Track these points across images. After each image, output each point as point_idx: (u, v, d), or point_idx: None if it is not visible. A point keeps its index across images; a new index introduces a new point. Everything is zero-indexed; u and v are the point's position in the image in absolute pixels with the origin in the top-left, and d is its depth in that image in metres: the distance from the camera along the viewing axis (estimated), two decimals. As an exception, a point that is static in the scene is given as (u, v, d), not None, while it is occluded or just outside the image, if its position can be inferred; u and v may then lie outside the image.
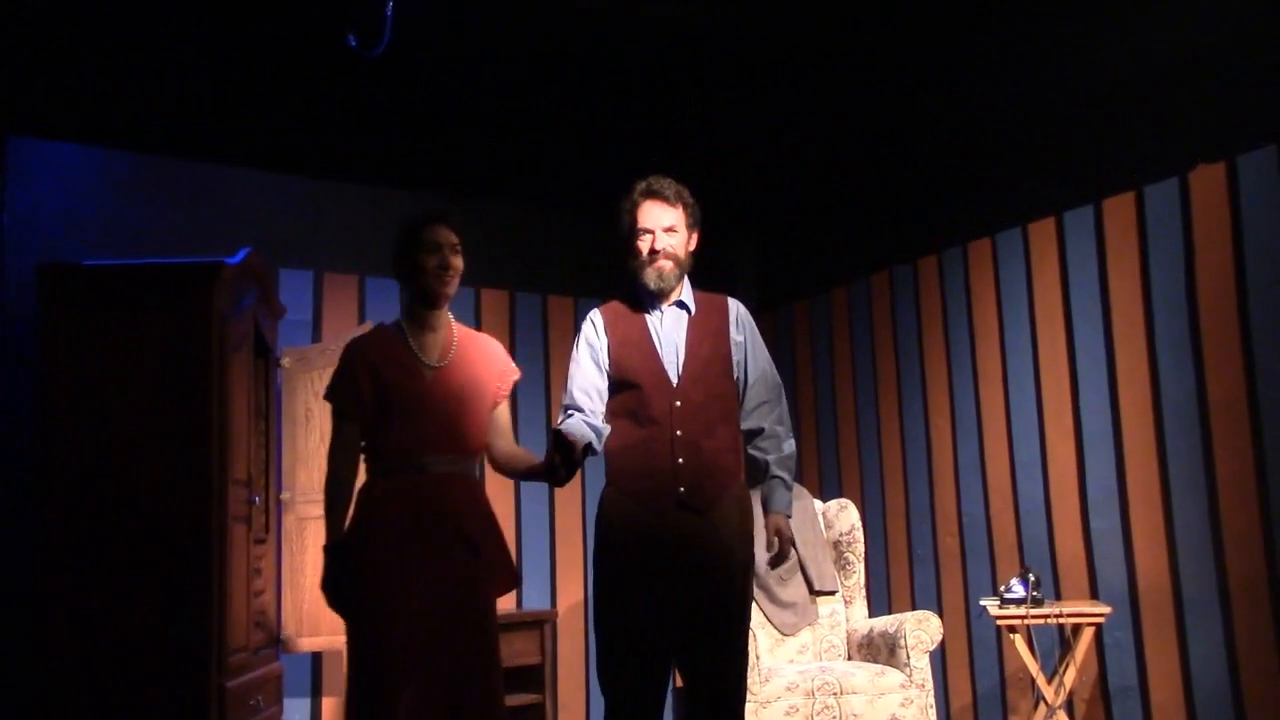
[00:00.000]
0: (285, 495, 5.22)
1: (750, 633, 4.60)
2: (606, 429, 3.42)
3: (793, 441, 3.73)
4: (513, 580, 3.44)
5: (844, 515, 5.68)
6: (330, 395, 3.33)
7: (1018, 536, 5.49)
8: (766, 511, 3.64)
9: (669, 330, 3.60)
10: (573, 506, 6.58)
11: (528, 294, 6.61)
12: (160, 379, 4.34)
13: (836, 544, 5.67)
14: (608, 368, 3.58)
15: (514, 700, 5.77)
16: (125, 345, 4.35)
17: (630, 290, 3.67)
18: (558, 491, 6.51)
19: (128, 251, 5.27)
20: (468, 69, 5.27)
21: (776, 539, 3.61)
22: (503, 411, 3.49)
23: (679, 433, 3.49)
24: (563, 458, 3.14)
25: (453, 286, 3.42)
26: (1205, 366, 4.75)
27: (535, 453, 3.55)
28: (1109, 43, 5.08)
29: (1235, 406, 4.63)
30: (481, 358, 3.47)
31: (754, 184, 6.71)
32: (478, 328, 6.35)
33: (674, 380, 3.54)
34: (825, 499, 6.04)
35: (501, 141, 6.03)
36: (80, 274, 4.42)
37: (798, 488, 5.92)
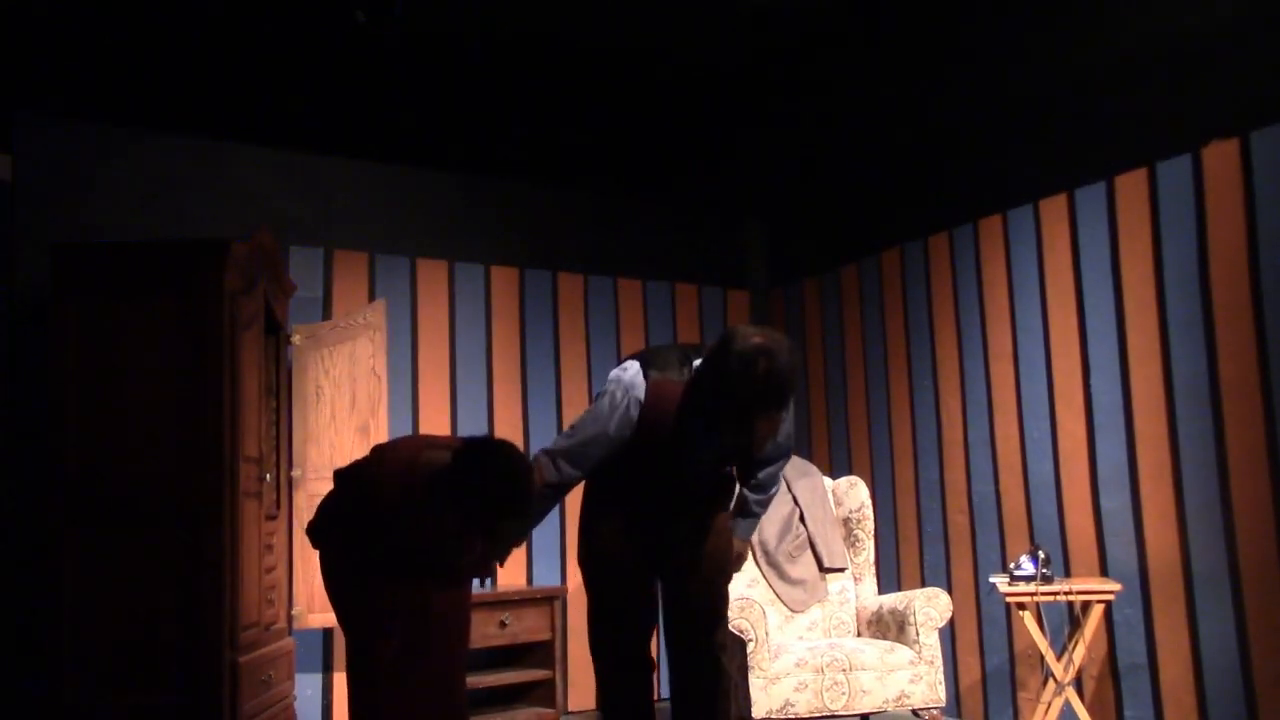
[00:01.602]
0: (296, 472, 5.24)
1: (757, 605, 4.60)
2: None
3: (780, 486, 3.81)
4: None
5: (854, 492, 5.69)
6: None
7: (1027, 514, 5.49)
8: (735, 536, 3.72)
9: (708, 445, 3.34)
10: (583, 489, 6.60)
11: (537, 271, 6.61)
12: (171, 357, 4.36)
13: (846, 521, 5.68)
14: (616, 449, 3.41)
15: (524, 675, 5.81)
16: (137, 324, 4.37)
17: (689, 390, 3.33)
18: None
19: (139, 231, 5.28)
20: (478, 47, 5.26)
21: (736, 560, 3.73)
22: None
23: (667, 508, 3.55)
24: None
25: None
26: (1217, 343, 4.73)
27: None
28: (1121, 19, 5.04)
29: (1247, 384, 4.61)
30: None
31: (765, 162, 6.69)
32: (487, 304, 6.39)
33: (684, 479, 3.53)
34: (835, 476, 6.04)
35: (512, 119, 6.03)
36: (92, 253, 4.44)
37: (808, 465, 5.94)
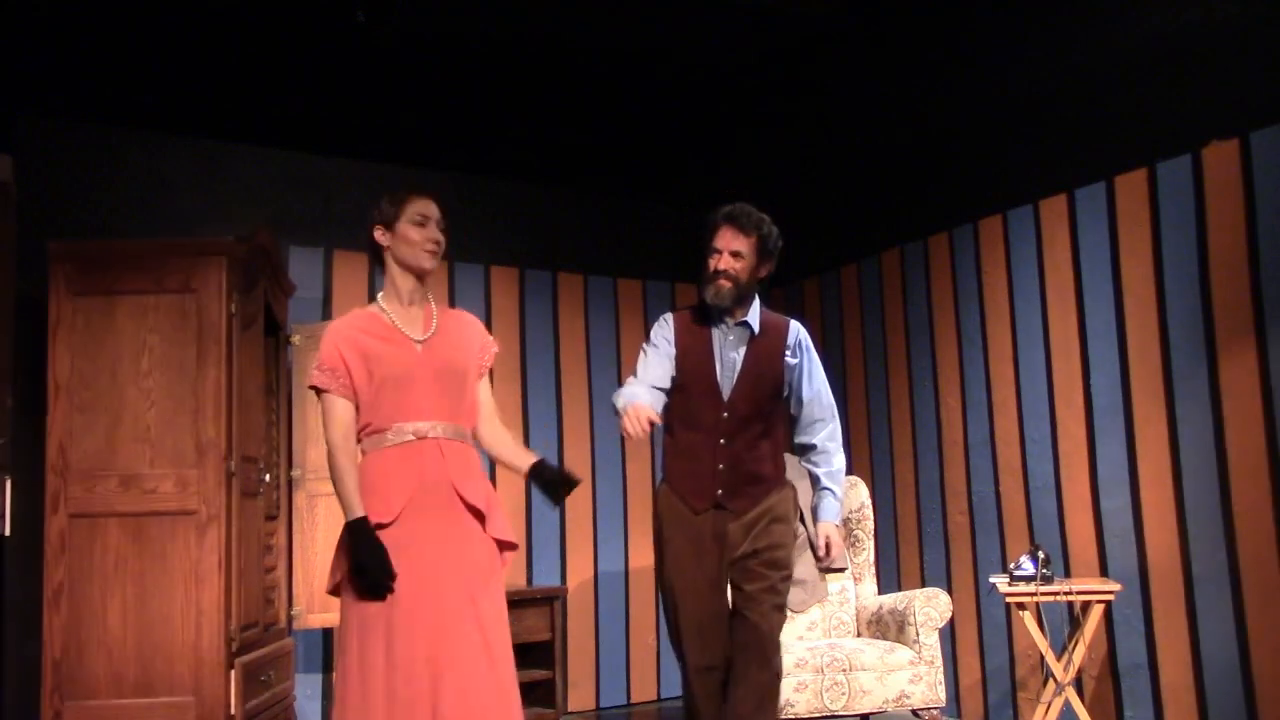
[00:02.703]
0: (296, 472, 5.24)
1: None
2: (662, 401, 3.79)
3: (843, 456, 4.03)
4: (513, 544, 3.36)
5: (854, 493, 5.69)
6: (317, 380, 3.25)
7: (1027, 514, 5.49)
8: (816, 520, 3.98)
9: (729, 347, 3.87)
10: (584, 490, 6.60)
11: (537, 271, 6.61)
12: (171, 356, 4.37)
13: (846, 521, 5.68)
14: (672, 369, 3.86)
15: (525, 676, 5.79)
16: (137, 323, 4.37)
17: (701, 303, 3.90)
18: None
19: (138, 231, 5.28)
20: (478, 47, 5.26)
21: (826, 544, 3.93)
22: (485, 387, 3.43)
23: (722, 441, 3.82)
24: (559, 494, 3.29)
25: (436, 261, 3.37)
26: (1217, 343, 4.73)
27: (540, 444, 3.54)
28: (1121, 19, 5.04)
29: (1247, 384, 4.62)
30: (462, 331, 3.43)
31: (765, 162, 6.69)
32: (487, 305, 6.39)
33: (725, 394, 3.83)
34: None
35: (512, 119, 6.02)
36: (91, 253, 4.44)
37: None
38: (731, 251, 3.82)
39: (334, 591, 3.21)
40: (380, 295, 3.39)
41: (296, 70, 5.33)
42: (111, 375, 4.36)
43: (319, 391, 3.27)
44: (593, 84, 5.68)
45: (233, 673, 4.26)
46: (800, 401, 3.97)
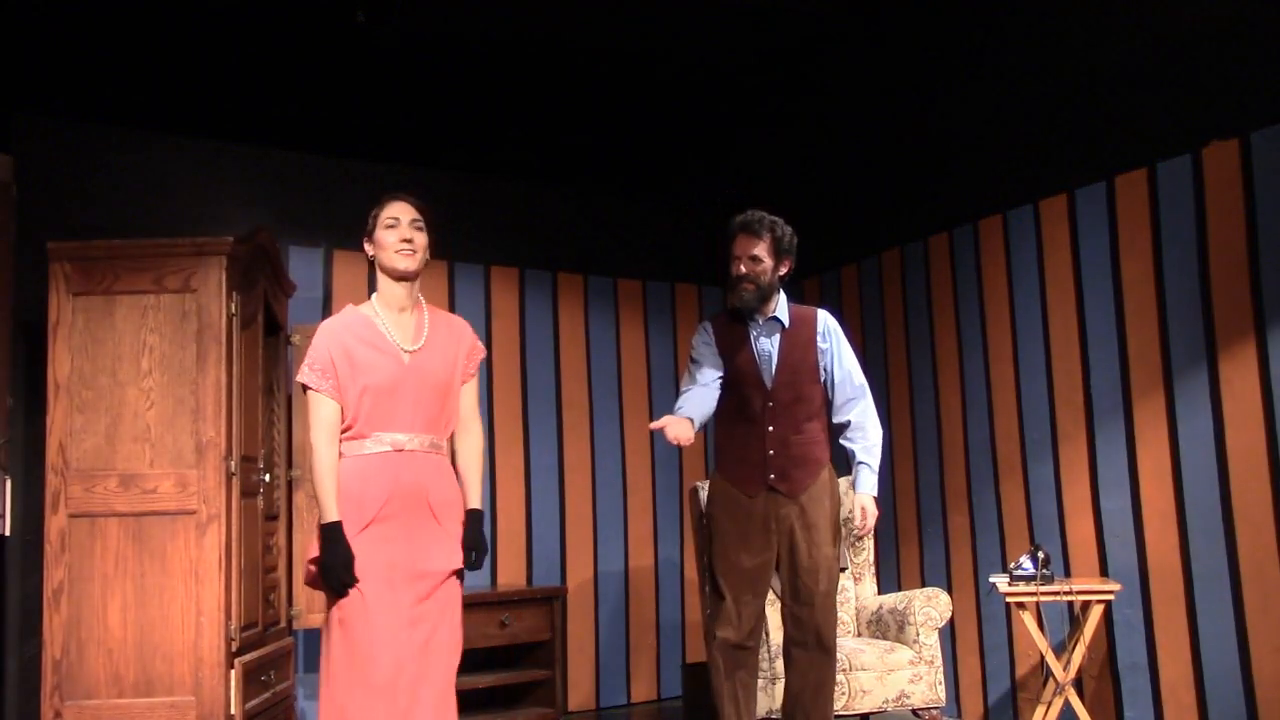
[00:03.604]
0: (296, 472, 5.24)
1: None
2: (715, 398, 4.17)
3: (879, 429, 4.34)
4: (471, 558, 3.45)
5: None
6: (307, 378, 3.33)
7: (1027, 514, 5.49)
8: (855, 492, 4.28)
9: (764, 341, 4.23)
10: (584, 489, 6.61)
11: (537, 271, 6.61)
12: (171, 356, 4.37)
13: (846, 521, 5.67)
14: (721, 366, 4.22)
15: (524, 675, 5.80)
16: (137, 323, 4.38)
17: (733, 306, 4.30)
18: (567, 474, 6.54)
19: (138, 230, 5.27)
20: (478, 47, 5.26)
21: (862, 515, 4.24)
22: (468, 393, 3.52)
23: (771, 428, 4.15)
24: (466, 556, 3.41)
25: (414, 262, 3.41)
26: (1217, 343, 4.74)
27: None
28: (1121, 18, 5.04)
29: (1247, 384, 4.62)
30: (451, 340, 3.49)
31: (765, 162, 6.68)
32: (487, 305, 6.39)
33: (768, 384, 4.17)
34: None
35: (511, 119, 6.02)
36: (91, 252, 4.43)
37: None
38: (750, 256, 4.18)
39: (310, 583, 3.37)
40: (375, 298, 3.46)
41: (297, 70, 5.33)
42: (111, 375, 4.36)
43: (306, 389, 3.35)
44: (593, 84, 5.68)
45: (233, 672, 4.26)
46: (834, 384, 4.29)
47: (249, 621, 4.50)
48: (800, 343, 4.24)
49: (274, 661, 4.75)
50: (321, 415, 3.32)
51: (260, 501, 4.76)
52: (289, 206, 5.86)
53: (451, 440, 3.50)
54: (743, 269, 4.17)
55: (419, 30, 5.01)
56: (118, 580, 4.26)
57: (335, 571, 3.21)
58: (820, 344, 4.26)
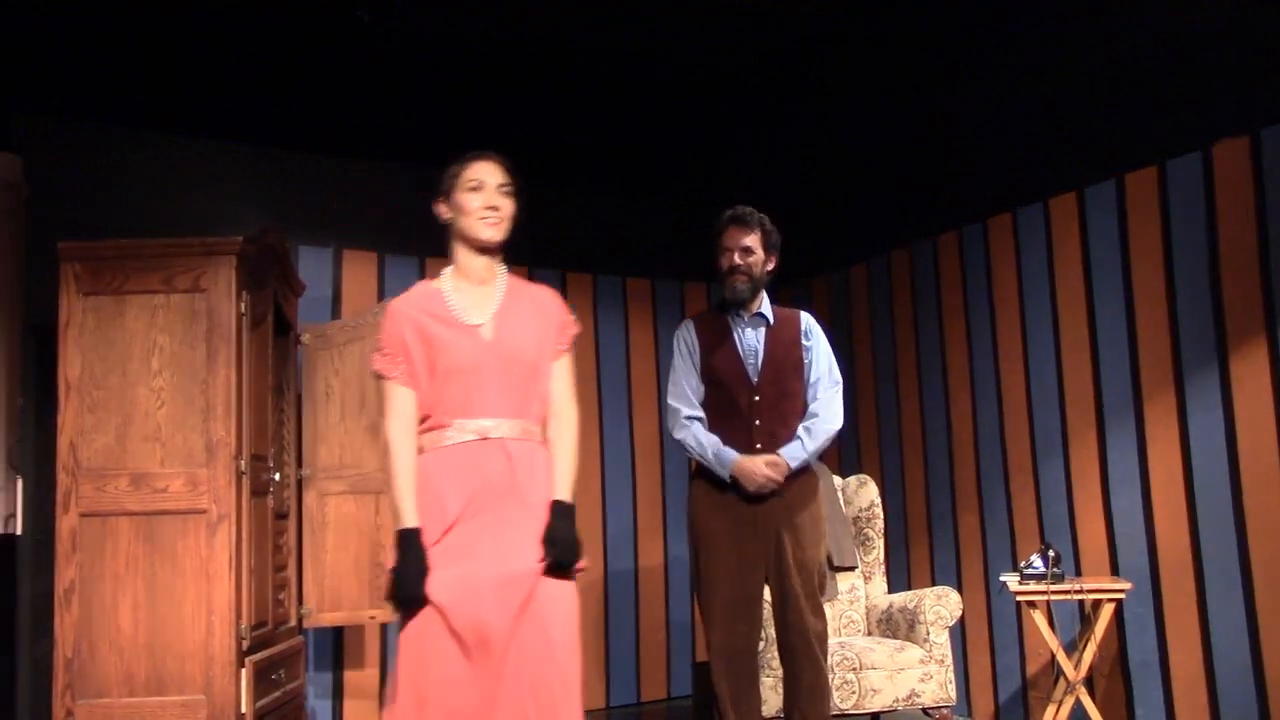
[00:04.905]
0: (306, 472, 5.25)
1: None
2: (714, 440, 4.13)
3: (836, 421, 4.23)
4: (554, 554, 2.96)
5: (863, 491, 5.68)
6: (378, 364, 2.99)
7: (1038, 512, 5.48)
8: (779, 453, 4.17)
9: (749, 337, 4.23)
10: (593, 489, 6.60)
11: (544, 270, 6.61)
12: (181, 356, 4.38)
13: (856, 520, 5.67)
14: (700, 370, 4.20)
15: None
16: (147, 323, 4.39)
17: (719, 302, 4.31)
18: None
19: (147, 230, 5.28)
20: (482, 47, 5.26)
21: (767, 466, 4.06)
22: (560, 373, 3.11)
23: (757, 423, 4.13)
24: (551, 550, 2.93)
25: (500, 231, 3.05)
26: (1228, 341, 4.72)
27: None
28: (1130, 16, 5.03)
29: (1258, 382, 4.60)
30: (536, 313, 3.11)
31: (774, 161, 6.68)
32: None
33: (753, 379, 4.16)
34: (845, 475, 6.03)
35: (514, 119, 6.02)
36: (102, 252, 4.45)
37: (818, 463, 5.92)
38: (742, 248, 4.18)
39: (387, 597, 2.97)
40: (449, 270, 3.11)
41: (304, 70, 5.35)
42: (122, 374, 4.37)
43: (379, 376, 3.01)
44: (596, 84, 5.68)
45: (243, 671, 4.26)
46: (809, 382, 4.27)
47: (259, 620, 4.51)
48: (785, 340, 4.24)
49: (284, 660, 4.76)
50: (396, 405, 2.96)
51: (270, 500, 4.77)
52: (299, 206, 5.87)
53: (544, 426, 3.09)
54: (736, 260, 4.18)
55: (423, 30, 5.01)
56: (129, 579, 4.27)
57: (404, 587, 2.83)
58: (804, 341, 4.27)
